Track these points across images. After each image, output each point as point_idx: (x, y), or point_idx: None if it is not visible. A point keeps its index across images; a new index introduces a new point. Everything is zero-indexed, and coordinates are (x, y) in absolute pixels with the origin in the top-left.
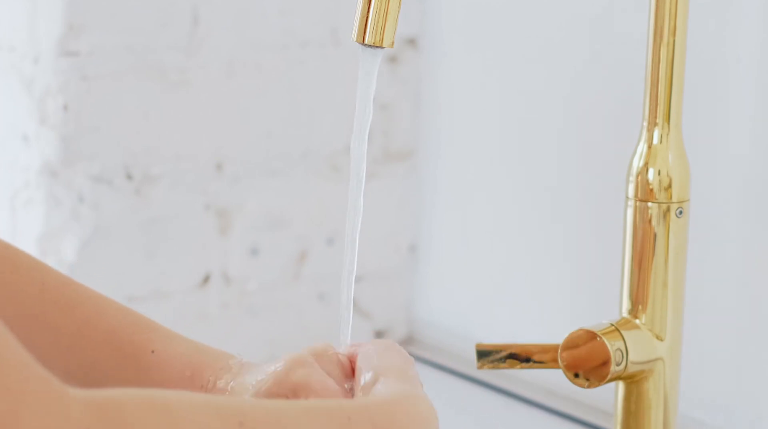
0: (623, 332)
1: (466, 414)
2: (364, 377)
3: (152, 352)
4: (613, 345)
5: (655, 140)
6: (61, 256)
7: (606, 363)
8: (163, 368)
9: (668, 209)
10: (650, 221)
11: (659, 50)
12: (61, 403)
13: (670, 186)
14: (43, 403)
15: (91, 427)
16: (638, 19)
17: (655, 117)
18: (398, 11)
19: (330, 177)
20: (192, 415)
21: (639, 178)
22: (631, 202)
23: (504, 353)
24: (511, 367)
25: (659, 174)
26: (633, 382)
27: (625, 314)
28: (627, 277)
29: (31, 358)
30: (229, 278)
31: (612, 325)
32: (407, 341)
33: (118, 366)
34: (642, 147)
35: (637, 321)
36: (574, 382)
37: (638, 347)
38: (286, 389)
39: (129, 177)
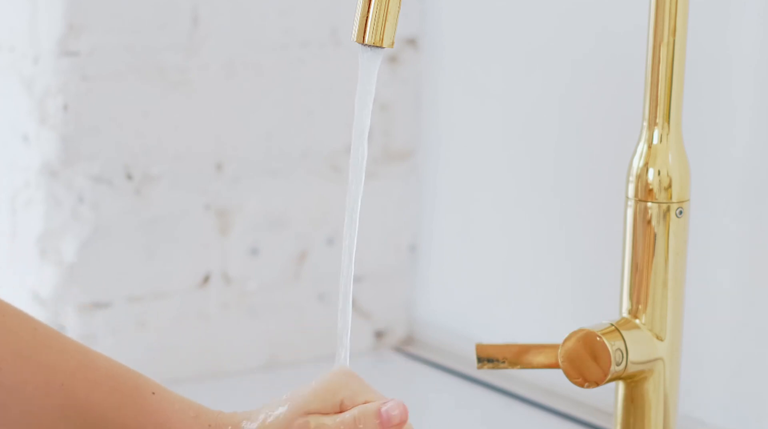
0: (623, 332)
1: (466, 414)
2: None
3: (153, 393)
4: (613, 345)
5: (655, 140)
6: (61, 256)
7: (606, 363)
8: (166, 409)
9: (668, 209)
10: (650, 221)
11: (659, 50)
12: None
13: (670, 186)
14: None
15: None
16: (638, 19)
17: (655, 117)
18: (398, 11)
19: (330, 177)
20: None
21: (639, 178)
22: (631, 202)
23: (504, 353)
24: (511, 367)
25: (659, 174)
26: (633, 382)
27: (625, 314)
28: (627, 277)
29: None
30: (229, 278)
31: (612, 325)
32: (407, 341)
33: (116, 406)
34: (642, 147)
35: (637, 321)
36: (574, 382)
37: (638, 347)
38: None
39: (129, 177)
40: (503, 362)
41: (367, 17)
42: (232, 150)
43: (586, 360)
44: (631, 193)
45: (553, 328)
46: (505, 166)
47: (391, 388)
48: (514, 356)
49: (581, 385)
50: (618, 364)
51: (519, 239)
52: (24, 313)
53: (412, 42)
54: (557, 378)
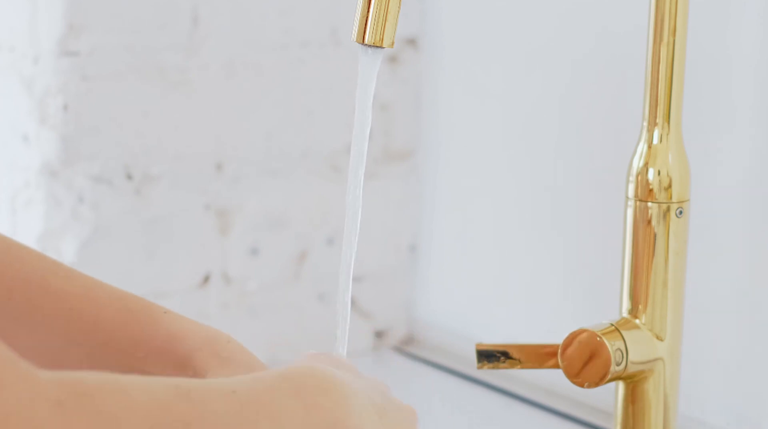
0: (623, 332)
1: (466, 414)
2: None
3: (164, 312)
4: (613, 345)
5: (655, 140)
6: (61, 256)
7: (606, 363)
8: (178, 322)
9: (668, 209)
10: (650, 221)
11: (659, 50)
12: (32, 379)
13: (670, 186)
14: (15, 379)
15: (63, 398)
16: (638, 19)
17: (655, 117)
18: (398, 11)
19: (330, 177)
20: (140, 386)
21: (639, 178)
22: (631, 202)
23: (504, 353)
24: (511, 367)
25: (659, 174)
26: (633, 382)
27: (625, 314)
28: (627, 277)
29: (1, 344)
30: (229, 278)
31: (612, 325)
32: (407, 341)
33: (126, 324)
34: (642, 147)
35: (637, 321)
36: (574, 382)
37: (638, 347)
38: None
39: (129, 177)
40: (503, 362)
41: (367, 17)
42: (232, 150)
43: (586, 360)
44: (631, 193)
45: (553, 328)
46: (505, 166)
47: (391, 388)
48: (514, 356)
49: (581, 385)
50: (618, 364)
51: (519, 239)
52: (31, 248)
53: (412, 42)
54: (557, 378)
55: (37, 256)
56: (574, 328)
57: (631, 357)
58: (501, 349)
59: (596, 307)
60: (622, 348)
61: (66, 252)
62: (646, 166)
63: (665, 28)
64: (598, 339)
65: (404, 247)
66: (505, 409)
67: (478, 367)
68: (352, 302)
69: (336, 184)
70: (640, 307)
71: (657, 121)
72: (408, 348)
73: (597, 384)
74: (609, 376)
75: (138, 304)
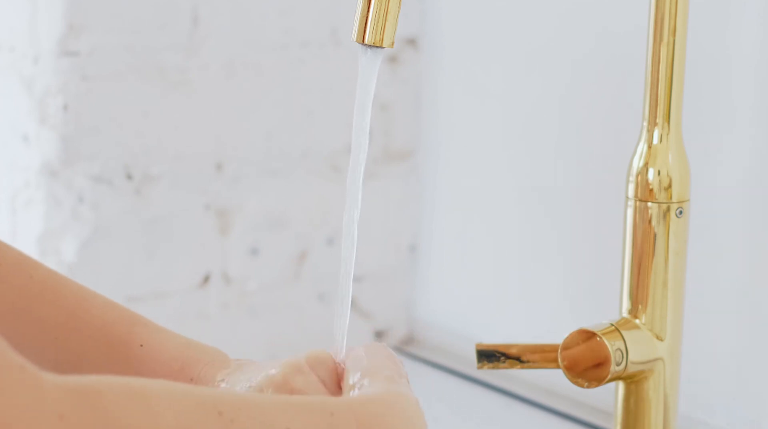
0: (623, 332)
1: (466, 414)
2: (351, 378)
3: (140, 345)
4: (613, 345)
5: (655, 140)
6: (61, 256)
7: (606, 363)
8: (151, 362)
9: (668, 209)
10: (650, 221)
11: (659, 50)
12: (36, 388)
13: (670, 186)
14: (18, 389)
15: (66, 412)
16: (638, 19)
17: (655, 117)
18: (398, 11)
19: (330, 177)
20: (169, 402)
21: (639, 178)
22: (631, 202)
23: (504, 353)
24: (511, 367)
25: (659, 174)
26: (633, 382)
27: (625, 314)
28: (627, 277)
29: (6, 345)
30: (229, 278)
31: (612, 325)
32: (407, 341)
33: (106, 358)
34: (642, 147)
35: (637, 321)
36: (574, 382)
37: (638, 347)
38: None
39: (129, 177)
40: (503, 362)
41: (367, 17)
42: (232, 150)
43: (586, 360)
44: (631, 193)
45: (553, 328)
46: (505, 166)
47: None
48: (514, 356)
49: (581, 385)
50: (618, 364)
51: (519, 239)
52: (22, 256)
53: (412, 42)
54: (557, 378)
55: (26, 274)
56: (574, 328)
57: (631, 357)
58: (501, 349)
59: (596, 307)
60: (622, 348)
61: (66, 252)
62: (646, 166)
63: (665, 28)
64: (598, 339)
65: (404, 247)
66: (505, 409)
67: (478, 367)
68: (352, 302)
69: (336, 184)
70: (640, 307)
71: (657, 121)
72: (408, 348)
73: (597, 384)
74: (609, 376)
75: (120, 335)
